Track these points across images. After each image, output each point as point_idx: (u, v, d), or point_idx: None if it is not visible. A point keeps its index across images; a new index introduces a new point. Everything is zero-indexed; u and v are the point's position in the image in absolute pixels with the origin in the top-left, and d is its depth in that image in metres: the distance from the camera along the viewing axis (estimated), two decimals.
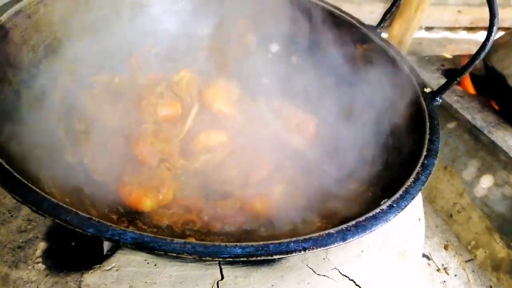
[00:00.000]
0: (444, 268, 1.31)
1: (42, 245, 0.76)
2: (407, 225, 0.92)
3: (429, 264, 1.32)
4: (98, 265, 0.73)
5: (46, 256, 0.75)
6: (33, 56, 0.92)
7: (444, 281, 1.28)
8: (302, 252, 0.59)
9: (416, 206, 0.98)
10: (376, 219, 0.65)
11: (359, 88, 1.04)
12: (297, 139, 1.06)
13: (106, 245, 0.83)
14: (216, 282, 0.73)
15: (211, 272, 0.74)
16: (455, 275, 1.31)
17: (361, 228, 0.63)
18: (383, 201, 0.69)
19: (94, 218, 0.56)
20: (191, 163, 0.95)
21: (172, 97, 1.02)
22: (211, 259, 0.56)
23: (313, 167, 0.98)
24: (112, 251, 0.77)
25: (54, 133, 0.88)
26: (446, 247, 1.38)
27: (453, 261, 1.34)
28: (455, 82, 0.92)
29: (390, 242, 0.86)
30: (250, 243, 0.57)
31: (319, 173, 0.94)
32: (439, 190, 1.45)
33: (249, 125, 1.04)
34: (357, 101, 1.01)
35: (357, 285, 0.77)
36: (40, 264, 0.73)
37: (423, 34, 2.52)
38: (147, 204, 0.83)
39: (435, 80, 1.45)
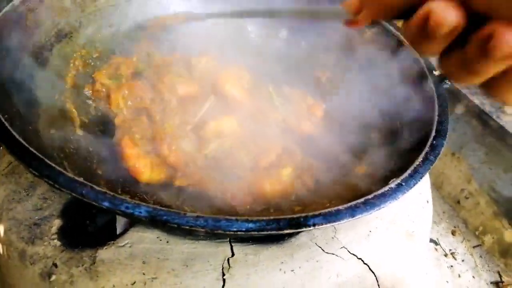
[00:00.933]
0: (452, 253, 1.32)
1: (57, 223, 0.78)
2: (415, 206, 0.93)
3: (436, 249, 1.33)
4: (112, 242, 0.75)
5: (62, 233, 0.77)
6: (46, 40, 0.93)
7: (452, 266, 1.29)
8: (312, 227, 0.60)
9: (424, 189, 0.98)
10: (385, 196, 0.66)
11: (368, 71, 1.04)
12: (305, 124, 1.07)
13: (119, 226, 0.85)
14: (226, 259, 0.75)
15: (221, 249, 0.76)
16: (463, 260, 1.31)
17: (369, 205, 0.64)
18: (392, 180, 0.70)
19: (109, 192, 0.57)
20: (201, 149, 0.96)
21: (189, 77, 1.04)
22: (223, 232, 0.57)
23: (321, 151, 0.98)
24: (125, 230, 0.79)
25: (66, 109, 0.90)
26: (453, 233, 1.38)
27: (460, 247, 1.35)
28: None
29: (399, 222, 0.87)
30: (261, 218, 0.59)
31: (327, 156, 0.95)
32: (446, 177, 1.45)
33: (259, 111, 1.04)
34: (365, 84, 1.02)
35: (365, 263, 0.79)
36: (55, 241, 0.75)
37: None
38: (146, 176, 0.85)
39: None
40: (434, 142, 0.77)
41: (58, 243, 0.75)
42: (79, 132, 0.92)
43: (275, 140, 1.01)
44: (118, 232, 0.82)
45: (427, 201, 0.96)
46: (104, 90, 1.00)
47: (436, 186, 1.51)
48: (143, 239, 0.76)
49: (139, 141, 0.87)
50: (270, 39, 1.27)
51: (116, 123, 0.94)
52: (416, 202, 0.94)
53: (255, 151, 0.97)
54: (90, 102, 1.00)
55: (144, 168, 0.84)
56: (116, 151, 0.88)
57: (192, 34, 1.23)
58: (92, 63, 1.05)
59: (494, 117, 1.25)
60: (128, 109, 0.97)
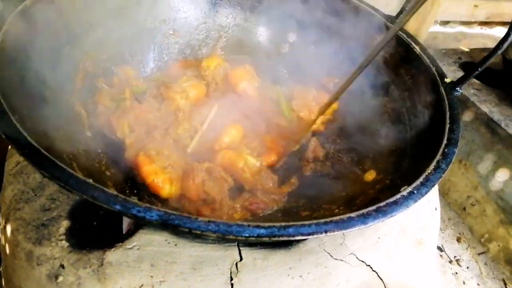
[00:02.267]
0: (457, 260, 1.32)
1: (65, 224, 0.78)
2: (424, 214, 0.92)
3: (441, 255, 1.32)
4: (120, 244, 0.74)
5: (69, 234, 0.76)
6: (56, 40, 0.93)
7: (456, 273, 1.28)
8: (323, 234, 0.59)
9: (432, 196, 0.98)
10: (396, 204, 0.65)
11: (378, 77, 1.04)
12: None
13: (125, 225, 0.84)
14: (235, 263, 0.74)
15: (230, 253, 0.75)
16: (467, 267, 1.31)
17: (381, 213, 0.64)
18: (403, 187, 0.69)
19: (120, 195, 0.57)
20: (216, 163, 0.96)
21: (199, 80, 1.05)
22: (234, 237, 0.56)
23: (330, 156, 0.98)
24: (133, 231, 0.79)
25: (74, 111, 0.91)
26: (458, 240, 1.38)
27: (465, 254, 1.34)
28: (476, 72, 0.91)
29: (407, 230, 0.87)
30: (272, 224, 0.58)
31: (336, 162, 0.95)
32: (453, 183, 1.44)
33: (269, 111, 1.04)
34: (376, 90, 1.02)
35: (373, 270, 0.78)
36: (63, 242, 0.75)
37: (438, 28, 2.50)
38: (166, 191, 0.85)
39: (452, 73, 1.44)
40: (446, 150, 0.76)
41: (66, 244, 0.75)
42: (88, 133, 0.92)
43: (281, 143, 1.01)
44: (124, 232, 0.82)
45: (436, 209, 0.95)
46: (106, 114, 0.98)
47: (442, 193, 1.50)
48: (151, 242, 0.76)
49: (155, 156, 0.87)
50: (279, 42, 1.26)
51: (126, 143, 0.93)
52: (425, 209, 0.93)
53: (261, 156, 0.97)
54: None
55: (163, 183, 0.84)
56: (129, 164, 0.88)
57: (199, 37, 1.24)
58: (102, 65, 1.05)
59: (502, 125, 1.24)
60: (135, 133, 0.95)
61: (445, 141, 0.78)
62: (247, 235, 0.57)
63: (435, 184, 0.70)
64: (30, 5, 0.86)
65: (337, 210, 0.81)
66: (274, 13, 1.24)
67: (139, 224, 0.80)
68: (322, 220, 0.61)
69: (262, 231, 0.57)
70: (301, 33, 1.25)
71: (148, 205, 0.57)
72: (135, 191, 0.86)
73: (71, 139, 0.85)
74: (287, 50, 1.26)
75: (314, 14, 1.18)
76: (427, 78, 0.94)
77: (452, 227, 1.42)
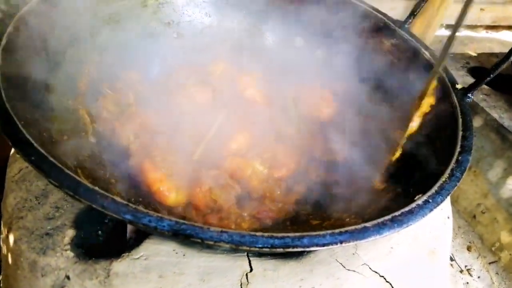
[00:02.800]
0: (467, 270, 1.29)
1: (70, 233, 0.76)
2: (437, 223, 0.90)
3: (452, 265, 1.30)
4: (127, 254, 0.72)
5: (75, 243, 0.74)
6: (58, 44, 0.92)
7: (467, 283, 1.26)
8: (339, 244, 0.57)
9: (445, 204, 0.95)
10: (412, 213, 0.64)
11: (387, 84, 1.02)
12: (325, 110, 1.07)
13: (129, 232, 0.82)
14: (245, 274, 0.72)
15: (239, 264, 0.73)
16: (479, 277, 1.28)
17: (397, 222, 0.62)
18: (418, 196, 0.68)
19: (130, 204, 0.55)
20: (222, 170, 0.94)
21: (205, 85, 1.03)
22: (247, 248, 0.55)
23: (341, 164, 0.96)
24: (138, 240, 0.77)
25: (79, 115, 0.89)
26: (469, 248, 1.35)
27: (476, 263, 1.32)
28: (488, 79, 0.90)
29: (420, 239, 0.85)
30: (286, 234, 0.56)
31: (347, 170, 0.92)
32: (462, 191, 1.42)
33: (277, 118, 1.03)
34: (385, 97, 1.00)
35: (387, 281, 0.76)
36: (68, 252, 0.73)
37: (444, 32, 2.48)
38: (172, 199, 0.83)
39: (460, 78, 1.42)
40: (460, 157, 0.74)
41: (71, 254, 0.73)
42: (92, 139, 0.90)
43: (290, 154, 0.99)
44: (128, 237, 0.79)
45: (448, 217, 0.93)
46: (110, 120, 0.96)
47: (452, 201, 1.48)
48: (159, 252, 0.73)
49: (160, 163, 0.85)
50: (286, 47, 1.25)
51: (131, 149, 0.91)
52: (437, 218, 0.91)
53: (269, 165, 0.95)
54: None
55: (168, 191, 0.81)
56: (134, 171, 0.86)
57: (203, 41, 1.22)
58: (106, 69, 1.03)
59: None
60: (140, 139, 0.93)
61: (458, 149, 0.76)
62: (260, 245, 0.55)
63: (450, 193, 0.69)
64: (34, 8, 0.85)
65: (348, 219, 0.79)
66: (280, 18, 1.23)
67: (144, 233, 0.78)
68: (337, 230, 0.59)
69: (276, 241, 0.55)
70: (308, 38, 1.23)
71: (159, 214, 0.55)
72: (140, 199, 0.84)
73: (75, 146, 0.83)
74: (294, 55, 1.24)
75: (321, 19, 1.17)
76: (437, 84, 0.92)
77: (462, 236, 1.39)
